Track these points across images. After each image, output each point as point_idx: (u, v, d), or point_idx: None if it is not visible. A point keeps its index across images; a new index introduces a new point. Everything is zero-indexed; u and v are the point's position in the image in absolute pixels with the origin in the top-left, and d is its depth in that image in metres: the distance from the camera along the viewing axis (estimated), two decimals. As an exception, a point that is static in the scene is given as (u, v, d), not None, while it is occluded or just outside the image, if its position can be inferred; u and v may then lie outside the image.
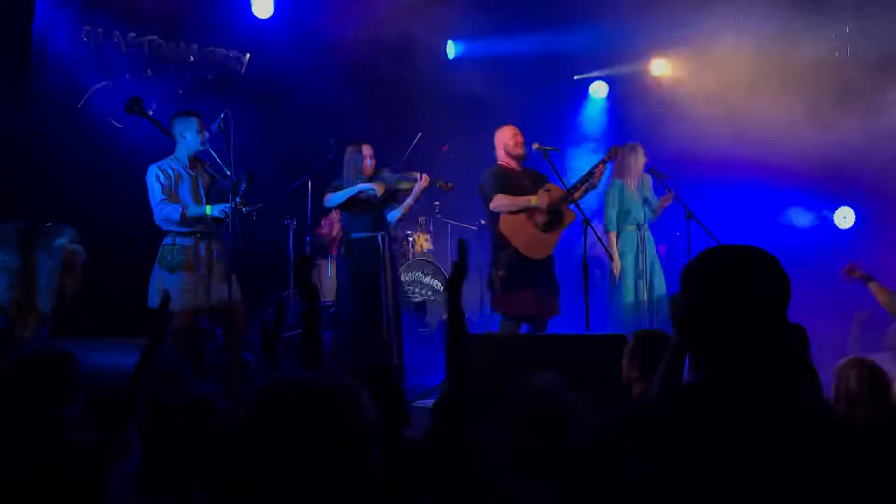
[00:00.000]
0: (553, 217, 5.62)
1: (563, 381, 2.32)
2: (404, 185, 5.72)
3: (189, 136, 5.08)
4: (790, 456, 1.30)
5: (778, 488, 1.28)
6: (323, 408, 1.17)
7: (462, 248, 2.37)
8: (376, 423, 1.20)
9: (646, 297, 6.35)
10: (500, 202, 5.60)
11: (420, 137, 5.84)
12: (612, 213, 6.35)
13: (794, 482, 1.28)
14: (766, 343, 1.43)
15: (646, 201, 6.43)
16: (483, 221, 6.36)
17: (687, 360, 2.19)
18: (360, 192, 5.58)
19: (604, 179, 6.06)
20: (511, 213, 5.59)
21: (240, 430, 1.16)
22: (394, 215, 5.76)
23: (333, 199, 5.67)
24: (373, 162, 5.75)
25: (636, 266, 6.42)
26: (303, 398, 1.17)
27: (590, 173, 5.67)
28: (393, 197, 5.78)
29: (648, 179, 6.46)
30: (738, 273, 1.46)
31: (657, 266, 6.49)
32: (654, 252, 6.52)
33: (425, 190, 5.74)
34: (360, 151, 5.71)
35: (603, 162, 5.74)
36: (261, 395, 1.19)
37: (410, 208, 5.88)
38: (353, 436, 1.16)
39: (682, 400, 1.43)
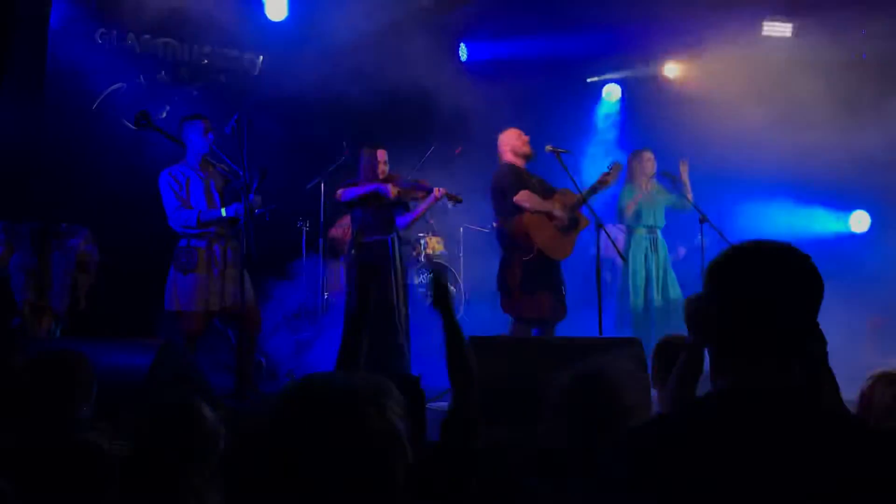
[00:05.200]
0: (570, 220, 5.63)
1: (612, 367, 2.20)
2: (412, 195, 5.77)
3: (195, 139, 5.10)
4: (827, 463, 1.24)
5: (815, 496, 1.22)
6: (347, 407, 1.17)
7: (437, 275, 2.36)
8: (402, 427, 1.20)
9: (659, 301, 6.32)
10: (524, 197, 5.53)
11: (433, 150, 5.84)
12: (629, 211, 6.44)
13: (831, 489, 1.22)
14: (798, 345, 1.35)
15: (659, 204, 6.43)
16: (495, 224, 6.35)
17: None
18: (375, 189, 5.59)
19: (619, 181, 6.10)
20: (533, 212, 5.55)
21: (267, 427, 1.17)
22: (402, 222, 5.78)
23: (348, 193, 5.63)
24: (386, 168, 5.77)
25: (646, 269, 6.41)
26: (328, 398, 1.18)
27: (596, 186, 5.62)
28: (403, 203, 5.80)
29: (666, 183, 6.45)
30: (770, 270, 1.36)
31: (670, 270, 6.46)
32: (667, 256, 6.50)
33: (437, 202, 5.76)
34: (375, 156, 5.73)
35: (603, 181, 5.66)
36: (289, 395, 1.20)
37: (420, 217, 5.92)
38: (377, 436, 1.16)
39: (714, 407, 1.35)
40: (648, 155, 6.51)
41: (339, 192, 5.71)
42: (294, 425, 1.16)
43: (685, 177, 6.41)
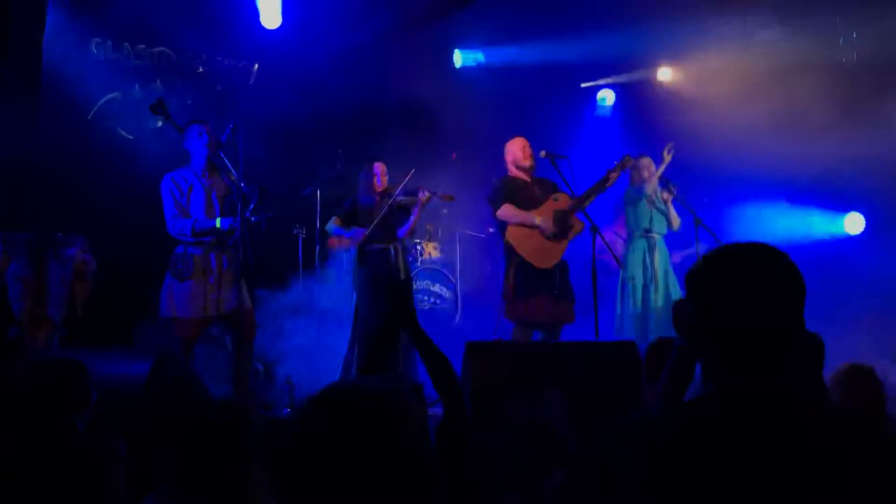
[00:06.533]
0: (560, 227, 5.63)
1: (563, 400, 2.26)
2: (406, 202, 5.82)
3: (193, 143, 5.13)
4: (817, 461, 1.25)
5: (806, 495, 1.22)
6: (379, 412, 1.19)
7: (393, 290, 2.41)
8: (425, 422, 1.23)
9: (659, 305, 6.33)
10: (505, 212, 5.63)
11: (413, 174, 5.85)
12: (629, 215, 6.54)
13: (822, 487, 1.23)
14: (785, 346, 1.36)
15: (660, 210, 6.46)
16: (491, 229, 6.38)
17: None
18: (351, 238, 5.74)
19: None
20: (515, 225, 5.61)
21: (302, 437, 1.19)
22: (402, 232, 5.83)
23: (330, 229, 5.94)
24: (384, 179, 5.82)
25: (644, 273, 6.43)
26: (360, 404, 1.20)
27: (602, 181, 5.63)
28: (404, 210, 5.85)
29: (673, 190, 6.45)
30: (747, 271, 1.37)
31: (671, 273, 6.48)
32: (667, 260, 6.51)
33: (426, 204, 5.81)
34: (371, 169, 5.80)
35: (614, 171, 5.66)
36: (319, 404, 1.22)
37: (417, 223, 5.98)
38: (409, 435, 1.19)
39: (704, 409, 1.35)
40: (644, 162, 6.55)
41: (331, 222, 5.91)
42: (328, 435, 1.18)
43: (669, 202, 6.44)
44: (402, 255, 5.81)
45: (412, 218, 5.86)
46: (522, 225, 5.61)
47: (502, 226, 5.68)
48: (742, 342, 1.36)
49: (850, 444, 1.28)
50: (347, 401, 1.22)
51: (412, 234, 6.10)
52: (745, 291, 1.36)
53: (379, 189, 5.80)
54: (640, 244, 6.48)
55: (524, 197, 5.68)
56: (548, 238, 5.62)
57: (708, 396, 1.39)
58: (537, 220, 5.59)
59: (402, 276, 5.72)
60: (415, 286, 7.40)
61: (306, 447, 1.18)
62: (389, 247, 5.73)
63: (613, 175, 5.63)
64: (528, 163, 5.76)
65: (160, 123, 5.41)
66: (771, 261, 1.39)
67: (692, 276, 1.44)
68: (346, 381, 1.31)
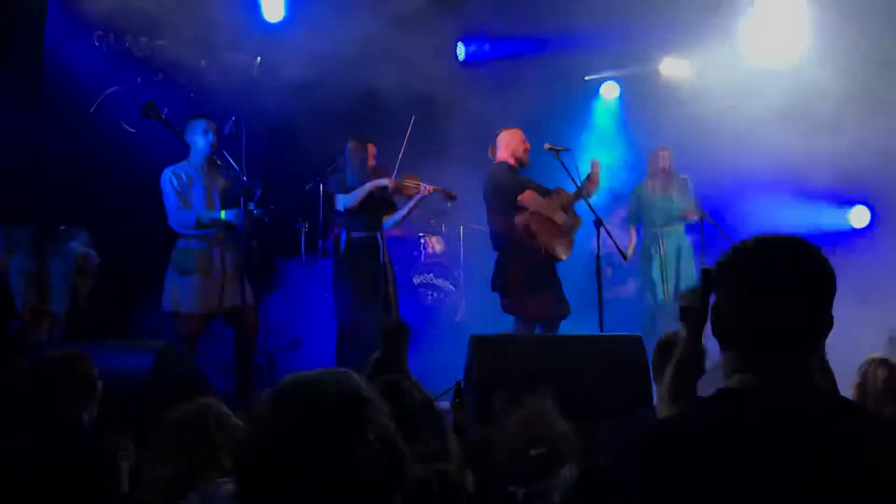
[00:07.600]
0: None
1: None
2: (406, 191, 5.69)
3: (196, 139, 5.10)
4: (858, 461, 1.21)
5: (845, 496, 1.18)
6: (337, 410, 1.15)
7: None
8: (390, 427, 1.18)
9: (669, 298, 6.31)
10: (531, 198, 5.49)
11: (413, 122, 5.74)
12: (631, 210, 6.60)
13: (861, 487, 1.19)
14: (814, 339, 1.33)
15: (665, 203, 6.44)
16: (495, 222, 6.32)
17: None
18: (374, 187, 5.54)
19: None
20: (535, 212, 5.50)
21: (257, 432, 1.15)
22: (387, 223, 5.74)
23: (347, 200, 5.58)
24: (374, 163, 5.74)
25: (651, 266, 6.42)
26: (316, 399, 1.15)
27: (583, 187, 5.53)
28: (391, 204, 5.75)
29: (686, 182, 6.41)
30: (786, 265, 1.33)
31: (686, 264, 6.44)
32: (681, 253, 6.48)
33: (426, 198, 5.72)
34: (366, 149, 5.69)
35: (592, 174, 5.57)
36: (272, 400, 1.17)
37: (407, 217, 5.86)
38: (370, 438, 1.14)
39: (734, 405, 1.30)
40: (653, 155, 6.57)
41: (337, 198, 5.62)
42: (275, 426, 1.13)
43: (674, 194, 6.43)
44: (385, 244, 5.66)
45: (404, 211, 5.75)
46: (541, 213, 5.51)
47: (512, 215, 5.48)
48: (772, 335, 1.32)
49: (880, 437, 1.25)
50: (292, 391, 1.17)
51: (399, 225, 5.99)
52: (782, 286, 1.32)
53: (370, 171, 5.69)
54: (648, 238, 6.50)
55: (529, 187, 5.63)
56: (560, 230, 5.57)
57: (736, 392, 1.34)
58: (557, 216, 5.52)
59: (388, 265, 5.58)
60: (418, 280, 7.38)
61: (258, 441, 1.14)
62: (376, 234, 5.60)
63: (593, 176, 5.55)
64: (526, 158, 5.68)
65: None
66: (807, 255, 1.35)
67: (724, 268, 1.40)
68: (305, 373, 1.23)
